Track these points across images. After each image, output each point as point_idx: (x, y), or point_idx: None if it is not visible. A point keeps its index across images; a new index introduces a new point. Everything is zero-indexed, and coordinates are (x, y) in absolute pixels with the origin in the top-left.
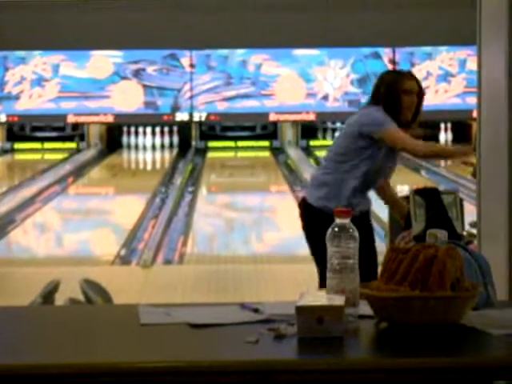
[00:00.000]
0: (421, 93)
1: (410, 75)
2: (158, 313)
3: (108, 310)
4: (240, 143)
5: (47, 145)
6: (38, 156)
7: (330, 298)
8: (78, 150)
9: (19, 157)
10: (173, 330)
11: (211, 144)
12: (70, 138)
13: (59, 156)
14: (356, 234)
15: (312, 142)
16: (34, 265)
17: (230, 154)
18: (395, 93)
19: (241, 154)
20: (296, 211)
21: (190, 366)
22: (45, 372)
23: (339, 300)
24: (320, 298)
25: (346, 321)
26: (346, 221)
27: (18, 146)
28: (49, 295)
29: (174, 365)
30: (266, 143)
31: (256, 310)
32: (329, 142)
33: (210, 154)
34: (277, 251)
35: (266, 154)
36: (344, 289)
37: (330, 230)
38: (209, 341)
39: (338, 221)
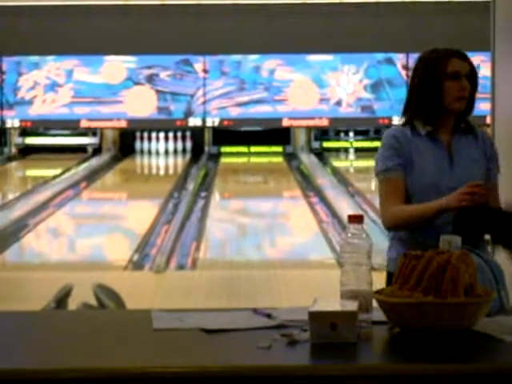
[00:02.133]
0: (473, 75)
1: (457, 54)
2: (170, 318)
3: (121, 315)
4: (253, 148)
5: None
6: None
7: (343, 303)
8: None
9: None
10: (185, 336)
11: (224, 149)
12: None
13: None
14: (369, 239)
15: (325, 144)
16: (46, 270)
17: (243, 159)
18: (435, 78)
19: (254, 159)
20: (309, 217)
21: (202, 371)
22: (58, 377)
23: (352, 306)
24: (333, 304)
25: (359, 326)
26: (359, 226)
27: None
28: (62, 300)
29: (186, 370)
30: (278, 149)
31: (269, 316)
32: (342, 143)
33: (223, 160)
34: (289, 257)
35: (279, 159)
36: (357, 294)
37: (343, 236)
38: (221, 346)
39: (351, 226)
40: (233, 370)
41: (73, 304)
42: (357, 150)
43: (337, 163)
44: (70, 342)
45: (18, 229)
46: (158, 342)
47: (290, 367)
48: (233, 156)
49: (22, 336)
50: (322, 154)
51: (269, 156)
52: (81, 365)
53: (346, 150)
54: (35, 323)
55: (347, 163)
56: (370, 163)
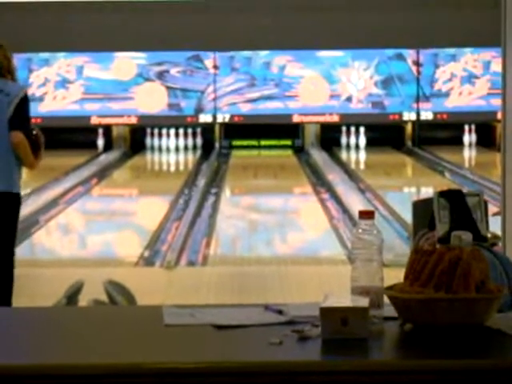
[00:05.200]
0: None
1: None
2: (182, 314)
3: (132, 311)
4: (263, 142)
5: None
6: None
7: (355, 299)
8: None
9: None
10: (197, 331)
11: (235, 143)
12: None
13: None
14: (380, 235)
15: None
16: (57, 266)
17: (254, 153)
18: None
19: (264, 152)
20: (319, 213)
21: (213, 366)
22: (69, 373)
23: (363, 301)
24: (344, 300)
25: (370, 322)
26: (370, 222)
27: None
28: (73, 296)
29: (197, 366)
30: (289, 144)
31: (280, 312)
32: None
33: (234, 156)
34: (300, 253)
35: (290, 155)
36: (368, 290)
37: (354, 232)
38: (233, 342)
39: (362, 222)
40: (244, 365)
41: (83, 300)
42: (368, 144)
43: (347, 158)
44: (81, 338)
45: (28, 225)
46: (169, 337)
47: (300, 363)
48: (243, 152)
49: (33, 332)
50: (332, 150)
51: (279, 152)
52: (92, 361)
53: (356, 145)
54: (46, 319)
55: (358, 158)
56: (380, 158)
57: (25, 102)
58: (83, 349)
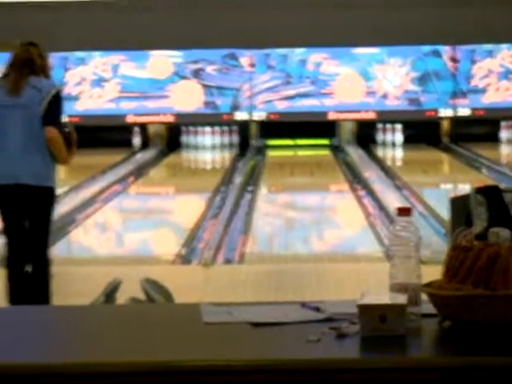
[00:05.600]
0: None
1: None
2: (220, 312)
3: (170, 309)
4: (299, 141)
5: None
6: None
7: (393, 296)
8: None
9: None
10: (235, 329)
11: (270, 142)
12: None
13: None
14: (418, 231)
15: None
16: (94, 264)
17: (290, 152)
18: None
19: (300, 152)
20: (356, 210)
21: (252, 364)
22: (108, 370)
23: (402, 298)
24: (382, 297)
25: (408, 319)
26: (408, 219)
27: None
28: (111, 294)
29: (236, 363)
30: (325, 141)
31: (317, 309)
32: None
33: (270, 154)
34: (337, 250)
35: (326, 152)
36: (406, 287)
37: (391, 229)
38: (271, 340)
39: (399, 219)
40: (282, 363)
41: (121, 298)
42: (404, 141)
43: (384, 156)
44: (120, 336)
45: (65, 224)
46: (207, 335)
47: (339, 360)
48: (279, 149)
49: (72, 330)
50: (368, 147)
51: (315, 149)
52: (130, 358)
53: (393, 142)
54: (84, 318)
55: (394, 155)
56: (416, 155)
57: (57, 99)
58: (122, 347)
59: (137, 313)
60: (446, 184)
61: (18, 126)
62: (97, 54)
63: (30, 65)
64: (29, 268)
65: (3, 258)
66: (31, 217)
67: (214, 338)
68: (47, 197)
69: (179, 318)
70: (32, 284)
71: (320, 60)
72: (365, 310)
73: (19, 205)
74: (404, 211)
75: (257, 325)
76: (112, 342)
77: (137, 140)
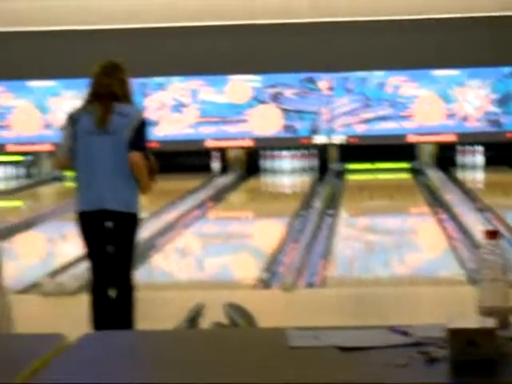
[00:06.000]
0: None
1: None
2: (305, 336)
3: (255, 333)
4: (379, 165)
5: None
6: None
7: (481, 320)
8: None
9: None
10: (322, 353)
11: (350, 166)
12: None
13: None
14: (504, 254)
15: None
16: (175, 289)
17: (369, 176)
18: None
19: (380, 175)
20: (437, 233)
21: None
22: None
23: (491, 322)
24: (471, 321)
25: (498, 343)
26: (495, 242)
27: None
28: (194, 319)
29: None
30: (404, 165)
31: (405, 333)
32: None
33: (349, 177)
34: (418, 273)
35: (406, 175)
36: (495, 310)
37: (478, 252)
38: (359, 364)
39: (486, 242)
40: None
41: (204, 323)
42: (485, 163)
43: (464, 178)
44: (205, 360)
45: (146, 249)
46: (294, 359)
47: None
48: (359, 173)
49: (157, 355)
50: (448, 169)
51: (395, 173)
52: (218, 382)
53: (473, 164)
54: (169, 342)
55: (475, 178)
56: (497, 177)
57: (143, 124)
58: (207, 371)
59: (221, 337)
60: None
61: (105, 152)
62: (176, 79)
63: (111, 95)
64: (113, 293)
65: (87, 283)
66: (115, 242)
67: (301, 363)
68: (131, 223)
69: (264, 342)
70: (116, 309)
71: (399, 83)
72: (454, 334)
73: (104, 230)
74: (491, 234)
75: (344, 349)
76: (197, 366)
77: (216, 165)
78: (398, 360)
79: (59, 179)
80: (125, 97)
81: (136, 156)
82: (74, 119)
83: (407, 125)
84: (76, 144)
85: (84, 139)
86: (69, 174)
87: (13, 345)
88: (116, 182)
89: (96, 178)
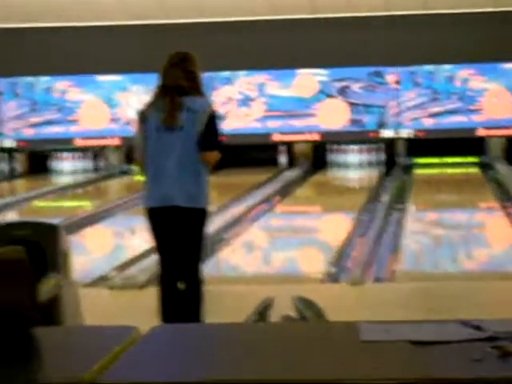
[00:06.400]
0: None
1: None
2: (377, 330)
3: (325, 327)
4: (447, 159)
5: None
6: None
7: None
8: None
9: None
10: (394, 347)
11: (418, 160)
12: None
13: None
14: None
15: None
16: (243, 283)
17: (437, 170)
18: None
19: (448, 170)
20: (506, 227)
21: (415, 383)
22: None
23: None
24: None
25: None
26: None
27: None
28: (263, 312)
29: (398, 381)
30: (473, 159)
31: (478, 328)
32: None
33: (417, 171)
34: (486, 268)
35: (474, 169)
36: None
37: None
38: (432, 358)
39: None
40: (446, 381)
41: (272, 316)
42: None
43: None
44: (276, 353)
45: (214, 243)
46: (367, 353)
47: (503, 380)
48: (427, 167)
49: (227, 348)
50: None
51: (463, 167)
52: (290, 377)
53: None
54: (239, 336)
55: None
56: None
57: (213, 119)
58: (279, 365)
59: (291, 331)
60: None
61: (174, 148)
62: (242, 73)
63: (178, 89)
64: (182, 286)
65: (156, 277)
66: (184, 237)
67: (373, 356)
68: (200, 218)
69: (335, 336)
70: (185, 302)
71: (467, 76)
72: None
73: (172, 226)
74: None
75: (417, 343)
76: (268, 360)
77: (283, 159)
78: (472, 354)
79: (127, 173)
80: (193, 89)
81: (210, 157)
82: (143, 117)
83: (476, 118)
84: (148, 141)
85: (153, 136)
86: (137, 168)
87: (85, 337)
88: (185, 177)
89: (165, 174)
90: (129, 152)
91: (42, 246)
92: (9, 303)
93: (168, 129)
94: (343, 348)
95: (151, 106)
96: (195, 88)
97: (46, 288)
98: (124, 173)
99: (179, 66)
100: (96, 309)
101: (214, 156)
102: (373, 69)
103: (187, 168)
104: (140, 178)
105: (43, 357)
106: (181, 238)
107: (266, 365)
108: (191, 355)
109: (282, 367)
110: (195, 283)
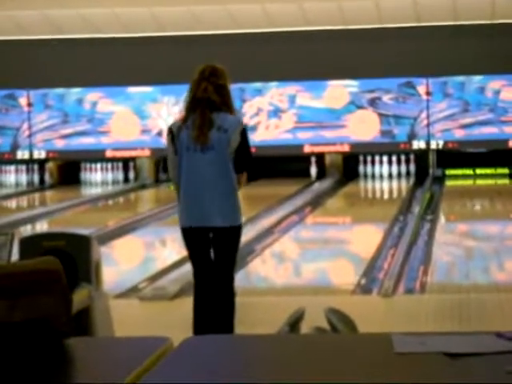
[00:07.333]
0: None
1: None
2: (411, 342)
3: (358, 339)
4: (478, 171)
5: None
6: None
7: None
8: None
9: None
10: (429, 359)
11: (449, 172)
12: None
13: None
14: None
15: None
16: (273, 294)
17: (469, 181)
18: None
19: (479, 181)
20: None
21: None
22: None
23: None
24: None
25: None
26: None
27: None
28: (295, 324)
29: None
30: (505, 170)
31: None
32: None
33: (448, 183)
34: None
35: (506, 181)
36: None
37: None
38: (467, 370)
39: None
40: None
41: (303, 328)
42: None
43: None
44: (309, 365)
45: (245, 254)
46: (401, 365)
47: None
48: (458, 179)
49: (260, 360)
50: None
51: (495, 178)
52: None
53: None
54: (271, 347)
55: None
56: None
57: (244, 137)
58: (311, 377)
59: (324, 342)
60: None
61: (207, 168)
62: (273, 84)
63: (209, 103)
64: (215, 299)
65: (186, 288)
66: (220, 253)
67: (408, 369)
68: (235, 235)
69: (368, 348)
70: (218, 314)
71: (498, 87)
72: None
73: (209, 244)
74: None
75: (452, 355)
76: (300, 372)
77: (313, 170)
78: (508, 366)
79: (164, 181)
80: (224, 103)
81: (243, 177)
82: (174, 134)
83: (508, 130)
84: (179, 159)
85: (185, 155)
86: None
87: (118, 348)
88: (219, 197)
89: (199, 194)
90: (164, 163)
91: (74, 257)
92: (43, 314)
93: (199, 148)
94: (377, 360)
95: (181, 122)
96: (226, 103)
97: (78, 299)
98: (160, 182)
99: (209, 79)
100: (126, 320)
101: (246, 176)
102: (403, 80)
103: (221, 187)
104: (173, 191)
105: (76, 368)
106: (217, 254)
107: (298, 377)
108: (224, 367)
109: (314, 379)
110: (229, 296)
